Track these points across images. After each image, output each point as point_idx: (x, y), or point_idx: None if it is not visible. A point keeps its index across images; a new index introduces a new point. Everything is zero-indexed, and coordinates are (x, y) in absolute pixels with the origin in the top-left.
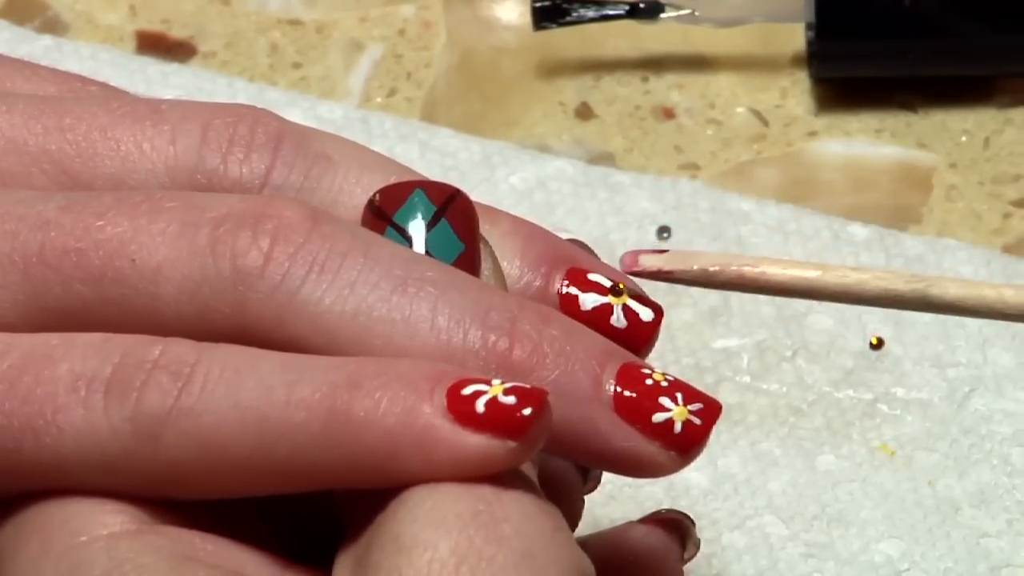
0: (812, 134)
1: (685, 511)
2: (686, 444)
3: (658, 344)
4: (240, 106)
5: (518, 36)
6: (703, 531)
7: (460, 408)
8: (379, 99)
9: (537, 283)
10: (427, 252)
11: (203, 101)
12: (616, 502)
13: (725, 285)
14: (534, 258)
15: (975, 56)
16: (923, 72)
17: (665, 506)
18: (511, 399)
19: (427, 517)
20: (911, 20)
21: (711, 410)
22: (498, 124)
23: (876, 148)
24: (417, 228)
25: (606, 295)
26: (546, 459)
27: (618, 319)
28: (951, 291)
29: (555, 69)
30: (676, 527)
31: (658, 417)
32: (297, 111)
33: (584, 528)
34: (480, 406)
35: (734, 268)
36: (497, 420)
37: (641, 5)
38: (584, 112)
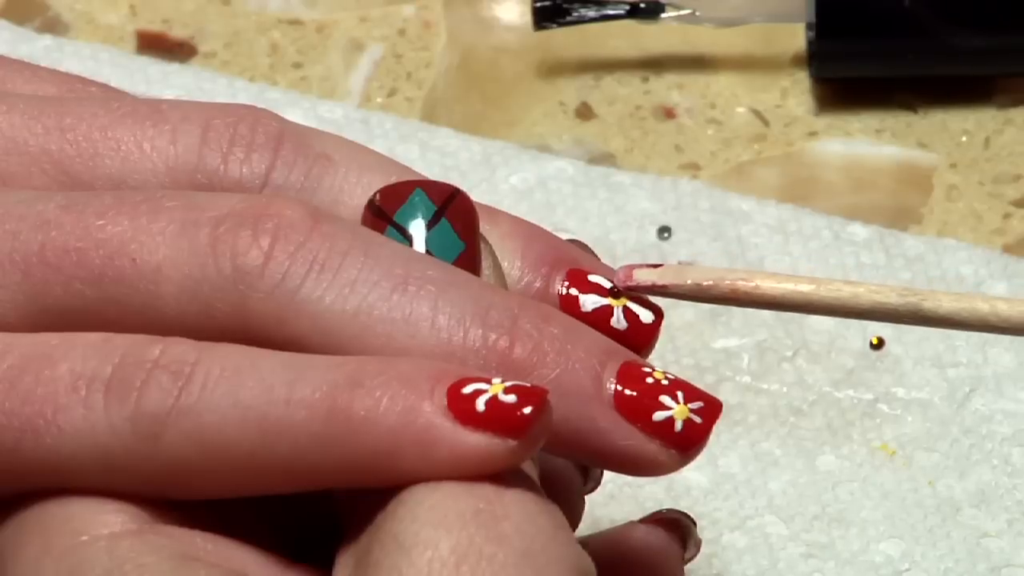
0: (812, 134)
1: (686, 511)
2: (687, 443)
3: (658, 344)
4: (240, 106)
5: (519, 36)
6: (704, 531)
7: (460, 407)
8: (379, 99)
9: (537, 284)
10: (427, 251)
11: (203, 101)
12: (617, 502)
13: (719, 299)
14: (534, 259)
15: (975, 56)
16: (923, 72)
17: (666, 506)
18: (511, 398)
19: (427, 516)
20: (911, 20)
21: (712, 409)
22: (498, 124)
23: (876, 148)
24: (417, 227)
25: (606, 296)
26: (546, 459)
27: (618, 320)
28: (944, 304)
29: (555, 69)
30: (677, 527)
31: (659, 416)
32: (297, 111)
33: (585, 528)
34: (480, 405)
35: (728, 282)
36: (497, 419)
37: (642, 5)
38: (584, 112)
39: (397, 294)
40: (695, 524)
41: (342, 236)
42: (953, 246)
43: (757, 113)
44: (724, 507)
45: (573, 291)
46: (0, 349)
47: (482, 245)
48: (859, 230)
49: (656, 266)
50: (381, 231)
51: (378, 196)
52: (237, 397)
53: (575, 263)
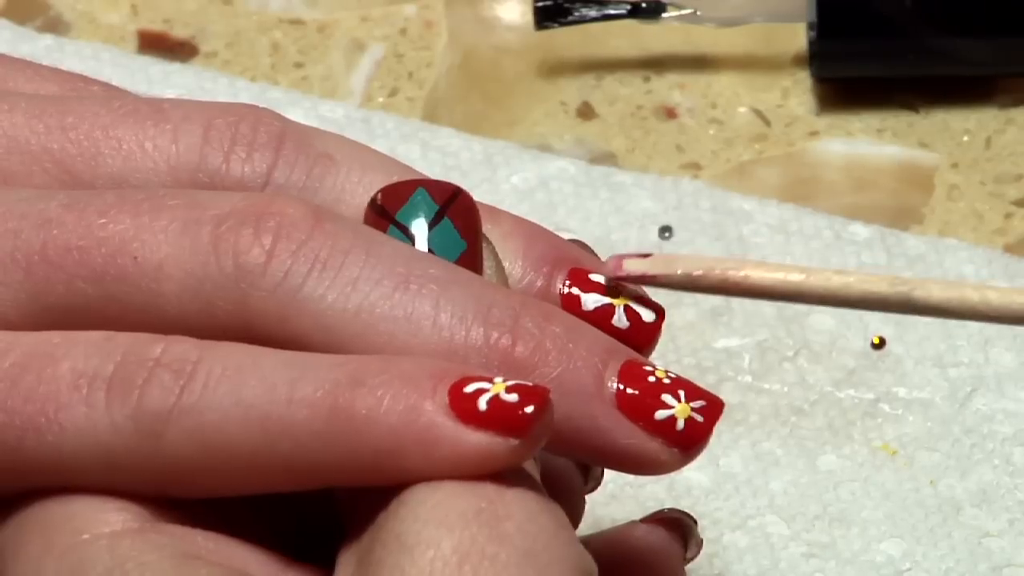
0: (814, 134)
1: (687, 510)
2: (688, 441)
3: (659, 344)
4: (242, 105)
5: (520, 36)
6: (705, 531)
7: (462, 406)
8: (381, 99)
9: (539, 283)
10: (430, 250)
11: (205, 100)
12: (618, 502)
13: (709, 289)
14: (536, 258)
15: (976, 56)
16: (925, 72)
17: (667, 506)
18: (513, 397)
19: (429, 515)
20: (912, 20)
21: (713, 407)
22: (500, 124)
23: (878, 148)
24: (419, 227)
25: (608, 295)
26: (547, 458)
27: (620, 320)
28: (935, 294)
29: (557, 69)
30: (678, 526)
31: (660, 414)
32: (299, 111)
33: (585, 528)
34: (482, 404)
35: (717, 272)
36: (499, 418)
37: (643, 5)
38: (586, 112)
39: (399, 292)
40: (696, 524)
41: (344, 235)
42: (954, 246)
43: (758, 113)
44: (725, 507)
45: (574, 290)
46: (2, 347)
47: (484, 244)
48: (860, 230)
49: (646, 256)
50: (383, 230)
51: (380, 195)
52: (239, 396)
53: (576, 262)
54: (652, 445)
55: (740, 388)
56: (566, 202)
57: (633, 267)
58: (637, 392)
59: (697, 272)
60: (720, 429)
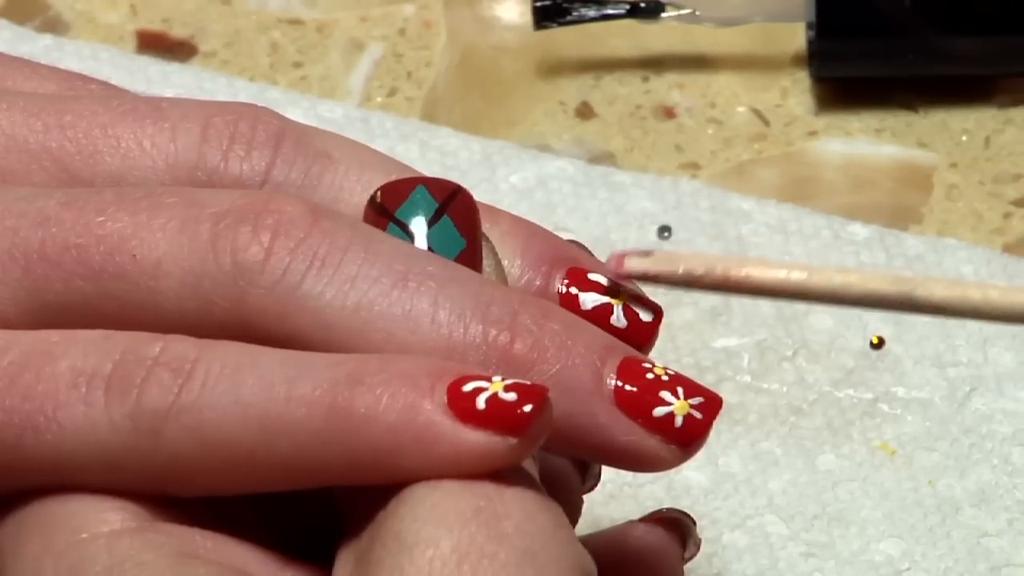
0: (812, 133)
1: (686, 510)
2: (687, 438)
3: (658, 343)
4: (241, 104)
5: (519, 35)
6: (704, 530)
7: (461, 405)
8: (379, 98)
9: (537, 282)
10: (429, 248)
11: (204, 99)
12: (616, 501)
13: (711, 287)
14: (534, 257)
15: (975, 56)
16: (924, 72)
17: (666, 505)
18: (512, 396)
19: (428, 514)
20: (911, 20)
21: (712, 404)
22: (499, 123)
23: (876, 147)
24: (419, 224)
25: (606, 295)
26: (545, 457)
27: (618, 319)
28: (937, 292)
29: (556, 68)
30: (677, 526)
31: (659, 411)
32: (298, 110)
33: (584, 527)
34: (481, 403)
35: (719, 270)
36: (498, 417)
37: (642, 4)
38: (585, 111)
39: (397, 290)
40: (695, 523)
41: (342, 232)
42: (953, 245)
43: (757, 112)
44: (724, 506)
45: (573, 289)
46: (1, 346)
47: (483, 243)
48: (859, 229)
49: (647, 254)
50: (383, 228)
51: (380, 193)
52: (237, 394)
53: (575, 261)
54: (651, 442)
55: (739, 388)
56: (565, 202)
57: (634, 265)
58: (636, 389)
59: (699, 270)
60: (719, 429)
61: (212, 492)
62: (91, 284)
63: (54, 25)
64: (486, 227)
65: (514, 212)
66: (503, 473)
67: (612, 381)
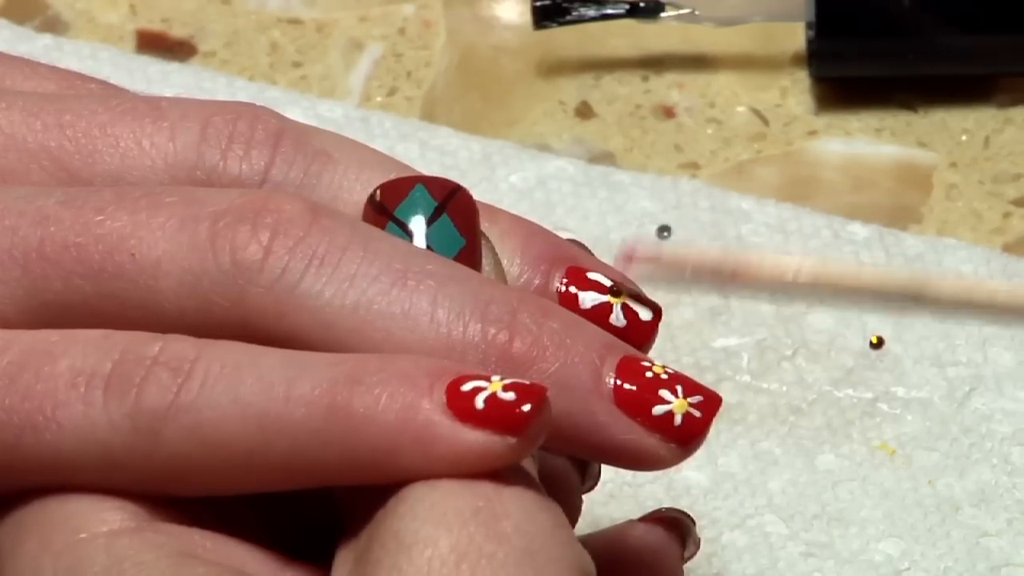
0: (812, 133)
1: (685, 510)
2: (686, 436)
3: (658, 343)
4: (240, 103)
5: (518, 35)
6: (703, 530)
7: (460, 404)
8: (379, 98)
9: (537, 281)
10: (428, 247)
11: (203, 99)
12: (616, 501)
13: (720, 279)
14: (534, 256)
15: (975, 55)
16: (923, 71)
17: (665, 505)
18: (510, 395)
19: (427, 514)
20: (911, 19)
21: (711, 402)
22: (498, 123)
23: (876, 147)
24: (418, 223)
25: (605, 294)
26: (545, 457)
27: (617, 318)
28: (945, 290)
29: (555, 68)
30: (676, 526)
31: (658, 409)
32: (297, 110)
33: (584, 527)
34: (479, 402)
35: (730, 262)
36: (497, 416)
37: (641, 4)
38: (584, 111)
39: (396, 288)
40: (694, 523)
41: (341, 231)
42: (953, 245)
43: (757, 112)
44: (724, 506)
45: (572, 288)
46: (0, 345)
47: (483, 242)
48: (859, 229)
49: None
50: (382, 227)
51: (379, 192)
52: (237, 394)
53: (574, 260)
54: (650, 440)
55: (739, 387)
56: (564, 201)
57: (646, 250)
58: (635, 387)
59: (709, 263)
60: (718, 428)
61: (211, 492)
62: (90, 283)
63: (53, 25)
64: (485, 226)
65: (514, 212)
66: (502, 473)
67: (611, 380)
